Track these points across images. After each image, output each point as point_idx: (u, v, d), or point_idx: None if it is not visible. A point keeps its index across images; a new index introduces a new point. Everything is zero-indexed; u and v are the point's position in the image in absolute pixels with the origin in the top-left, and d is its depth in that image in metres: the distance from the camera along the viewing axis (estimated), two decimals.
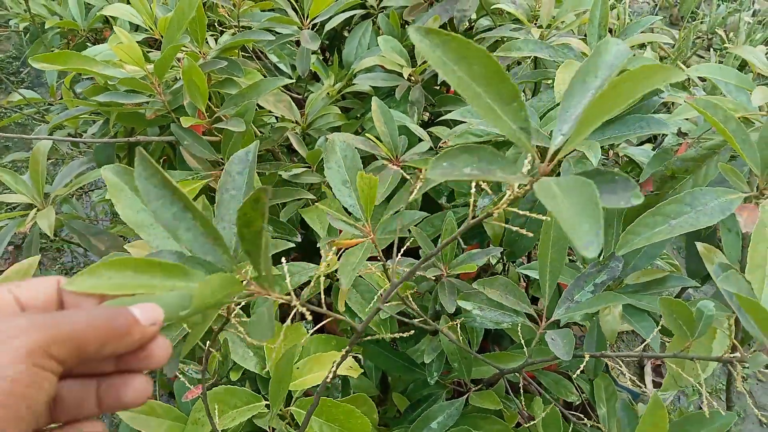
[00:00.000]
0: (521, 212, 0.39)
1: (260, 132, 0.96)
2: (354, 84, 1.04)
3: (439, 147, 0.89)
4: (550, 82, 0.92)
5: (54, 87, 1.34)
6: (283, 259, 0.46)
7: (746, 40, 2.50)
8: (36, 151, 0.89)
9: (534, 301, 1.12)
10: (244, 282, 0.36)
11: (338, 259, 0.79)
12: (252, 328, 0.36)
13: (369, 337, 0.56)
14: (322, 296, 0.55)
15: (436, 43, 0.29)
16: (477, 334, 0.86)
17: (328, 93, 1.04)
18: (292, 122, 0.97)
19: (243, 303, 0.38)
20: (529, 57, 0.90)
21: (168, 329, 0.39)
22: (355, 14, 1.11)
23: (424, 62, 0.99)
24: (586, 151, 0.67)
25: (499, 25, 1.02)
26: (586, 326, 0.76)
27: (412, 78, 1.00)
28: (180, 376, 0.64)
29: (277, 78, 0.85)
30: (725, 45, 2.54)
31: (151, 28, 0.92)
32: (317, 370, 0.72)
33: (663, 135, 0.85)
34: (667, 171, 0.64)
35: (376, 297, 0.73)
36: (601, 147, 0.71)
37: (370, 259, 0.68)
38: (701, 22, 2.90)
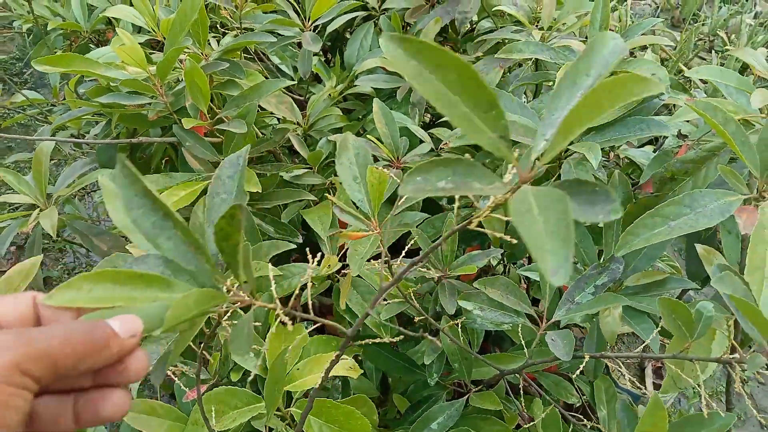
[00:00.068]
0: (504, 218, 0.39)
1: (262, 133, 0.96)
2: (355, 85, 1.04)
3: (440, 148, 0.89)
4: (551, 83, 0.93)
5: (57, 88, 1.35)
6: (270, 267, 0.46)
7: (748, 42, 2.50)
8: (39, 151, 0.89)
9: (534, 302, 1.12)
10: (230, 291, 0.35)
11: (338, 260, 0.79)
12: (232, 341, 0.35)
13: (369, 341, 0.56)
14: (323, 297, 0.55)
15: (412, 51, 0.28)
16: (477, 335, 0.86)
17: (329, 94, 1.05)
18: (294, 124, 0.98)
19: (230, 311, 0.38)
20: (531, 59, 0.91)
21: (154, 339, 0.38)
22: (357, 16, 1.11)
23: None
24: (586, 152, 0.68)
25: (501, 27, 1.02)
26: (586, 328, 0.76)
27: None
28: (173, 377, 0.64)
29: (279, 80, 0.85)
30: (726, 47, 2.54)
31: (154, 30, 0.93)
32: (317, 371, 0.73)
33: (664, 137, 0.86)
34: (667, 173, 0.64)
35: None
36: (602, 149, 0.71)
37: (373, 258, 0.69)
38: (703, 24, 2.90)
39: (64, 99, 1.24)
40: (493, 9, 0.98)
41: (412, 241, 0.74)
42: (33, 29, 1.28)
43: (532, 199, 0.26)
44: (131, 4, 0.92)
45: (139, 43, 0.80)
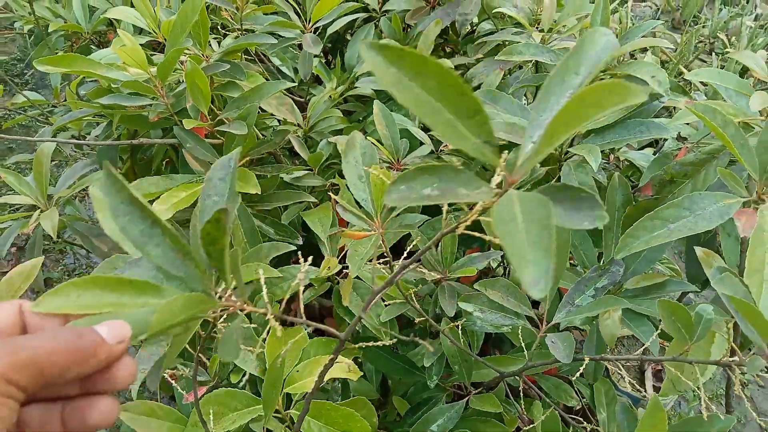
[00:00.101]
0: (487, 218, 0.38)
1: (262, 135, 0.96)
2: (356, 87, 1.04)
3: (440, 150, 0.89)
4: None
5: (58, 89, 1.35)
6: (261, 272, 0.45)
7: (748, 45, 2.50)
8: (40, 152, 0.89)
9: (534, 305, 1.12)
10: (222, 296, 0.35)
11: (338, 261, 0.79)
12: (221, 347, 0.35)
13: (366, 344, 0.56)
14: (323, 299, 0.55)
15: (392, 59, 0.27)
16: (477, 338, 0.86)
17: (330, 96, 1.05)
18: (294, 125, 0.98)
19: (225, 315, 0.38)
20: (531, 61, 0.91)
21: (153, 341, 0.38)
22: (358, 17, 1.12)
23: None
24: (586, 155, 0.68)
25: (501, 29, 1.02)
26: (586, 330, 0.76)
27: None
28: (171, 380, 0.64)
29: (280, 81, 0.85)
30: (726, 49, 2.55)
31: (155, 31, 0.93)
32: (317, 373, 0.73)
33: (664, 139, 0.86)
34: (667, 175, 0.64)
35: (376, 299, 0.73)
36: (602, 151, 0.72)
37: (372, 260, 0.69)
38: (703, 27, 2.90)
39: (65, 100, 1.24)
40: (494, 11, 0.98)
41: (413, 243, 0.74)
42: (34, 30, 1.28)
43: (516, 205, 0.26)
44: (132, 6, 0.93)
45: (140, 45, 0.80)
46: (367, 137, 0.84)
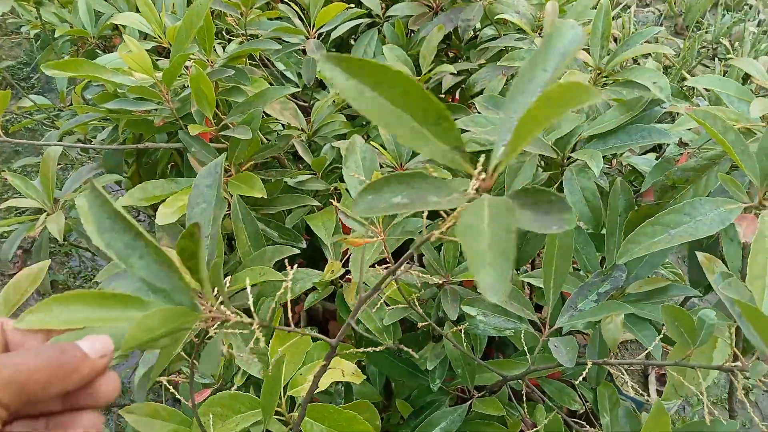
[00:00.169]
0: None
1: (266, 139, 0.97)
2: None
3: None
4: None
5: (64, 93, 1.36)
6: (249, 283, 0.45)
7: (751, 50, 2.50)
8: (46, 156, 0.90)
9: (538, 309, 1.12)
10: (206, 308, 0.35)
11: (342, 265, 0.80)
12: (202, 361, 0.35)
13: (368, 349, 0.57)
14: (326, 302, 0.55)
15: (351, 70, 0.27)
16: (480, 341, 0.87)
17: (333, 101, 1.05)
18: (298, 130, 0.98)
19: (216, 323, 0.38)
20: None
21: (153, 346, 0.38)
22: (361, 23, 1.12)
23: (429, 71, 1.00)
24: (588, 160, 0.68)
25: (504, 35, 1.03)
26: (589, 334, 0.77)
27: None
28: (168, 385, 0.64)
29: (284, 86, 0.86)
30: (728, 55, 2.55)
31: (160, 37, 0.94)
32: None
33: (666, 144, 0.86)
34: (668, 181, 0.65)
35: (379, 303, 0.74)
36: (604, 156, 0.72)
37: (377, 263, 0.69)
38: (706, 32, 2.90)
39: (71, 104, 1.25)
40: (496, 17, 0.99)
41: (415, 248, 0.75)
42: (41, 35, 1.29)
43: (486, 210, 0.25)
44: (138, 11, 0.94)
45: (146, 50, 0.81)
46: (371, 142, 0.85)
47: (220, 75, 0.84)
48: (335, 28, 1.05)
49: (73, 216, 0.95)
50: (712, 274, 0.54)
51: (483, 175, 0.29)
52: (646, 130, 0.72)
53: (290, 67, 1.14)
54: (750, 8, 3.07)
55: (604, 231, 0.74)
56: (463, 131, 0.81)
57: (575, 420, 0.80)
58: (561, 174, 0.77)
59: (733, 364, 0.53)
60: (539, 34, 0.94)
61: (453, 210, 0.30)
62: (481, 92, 0.97)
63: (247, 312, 0.40)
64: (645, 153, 1.00)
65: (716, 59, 2.70)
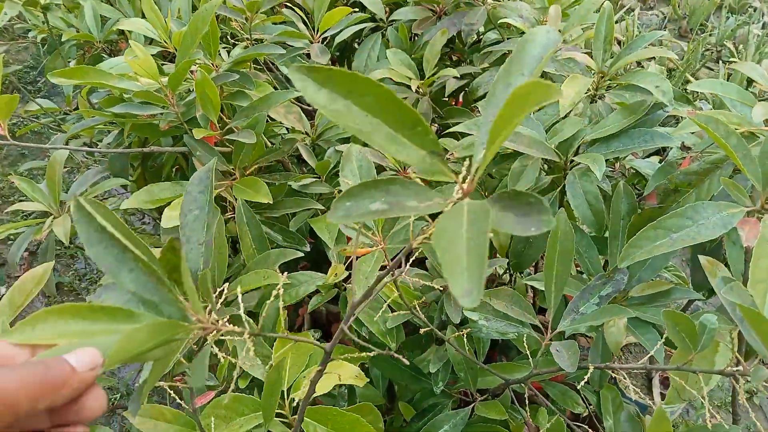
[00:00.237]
0: None
1: (271, 143, 0.97)
2: None
3: (446, 159, 0.90)
4: None
5: (70, 97, 1.37)
6: (240, 291, 0.45)
7: (755, 53, 2.50)
8: (53, 160, 0.91)
9: (542, 311, 1.12)
10: (197, 319, 0.35)
11: (346, 268, 0.80)
12: (191, 373, 0.35)
13: (370, 353, 0.57)
14: (330, 305, 0.56)
15: (321, 80, 0.27)
16: (483, 344, 0.87)
17: None
18: (302, 133, 0.99)
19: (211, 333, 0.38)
20: None
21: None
22: (365, 27, 1.13)
23: (433, 75, 1.01)
24: (590, 164, 0.68)
25: (507, 39, 1.03)
26: (593, 336, 0.77)
27: (420, 90, 1.01)
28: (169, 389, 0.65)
29: (288, 90, 0.86)
30: (732, 58, 2.54)
31: (166, 42, 0.94)
32: (324, 379, 0.73)
33: (669, 148, 0.86)
34: (671, 184, 0.65)
35: (384, 306, 0.74)
36: (607, 159, 0.72)
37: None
38: (710, 35, 2.90)
39: (77, 107, 1.26)
40: (499, 21, 0.99)
41: (419, 251, 0.75)
42: (48, 39, 1.30)
43: (465, 215, 0.25)
44: (144, 16, 0.94)
45: (151, 55, 0.81)
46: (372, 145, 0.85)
47: (225, 79, 0.84)
48: (339, 32, 1.05)
49: None
50: (714, 278, 0.54)
51: (463, 180, 0.29)
52: (649, 133, 0.72)
53: None
54: (754, 11, 3.07)
55: (607, 234, 0.74)
56: (467, 134, 0.81)
57: (578, 423, 0.80)
58: (564, 177, 0.78)
59: (735, 369, 0.53)
60: None
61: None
62: (484, 96, 0.97)
63: (252, 315, 0.40)
64: (648, 156, 1.00)
65: (720, 62, 2.69)
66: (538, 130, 0.76)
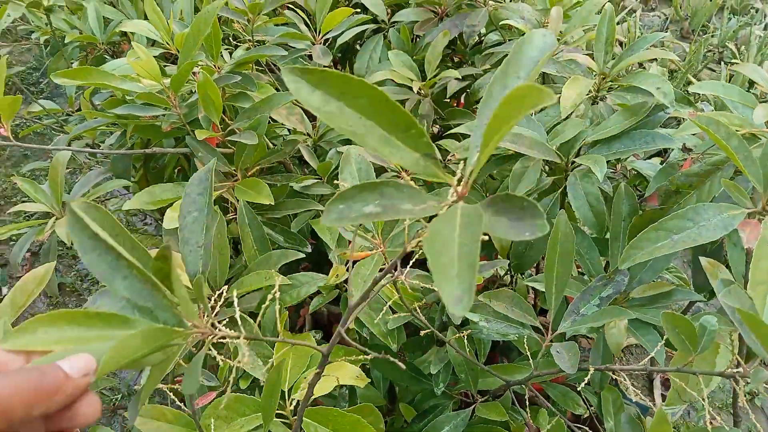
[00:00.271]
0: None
1: (272, 144, 0.98)
2: None
3: (448, 160, 0.90)
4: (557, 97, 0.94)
5: (72, 98, 1.38)
6: (236, 295, 0.45)
7: (757, 54, 2.49)
8: (55, 161, 0.91)
9: (543, 312, 1.12)
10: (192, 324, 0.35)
11: (346, 269, 0.80)
12: (184, 379, 0.35)
13: (372, 356, 0.57)
14: (332, 306, 0.56)
15: (315, 82, 0.27)
16: (484, 346, 0.87)
17: None
18: (304, 134, 0.99)
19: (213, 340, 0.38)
20: None
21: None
22: (367, 29, 1.13)
23: (434, 76, 1.01)
24: (592, 165, 0.69)
25: (509, 40, 1.04)
26: (594, 338, 0.77)
27: (422, 92, 1.01)
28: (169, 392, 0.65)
29: (289, 92, 0.86)
30: (734, 59, 2.54)
31: (168, 44, 0.95)
32: (324, 380, 0.73)
33: (670, 149, 0.86)
34: (672, 186, 0.65)
35: (385, 308, 0.74)
36: (609, 161, 0.72)
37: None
38: (712, 36, 2.89)
39: (80, 109, 1.26)
40: (501, 22, 1.00)
41: (419, 252, 0.75)
42: (50, 40, 1.31)
43: (458, 218, 0.25)
44: (146, 18, 0.95)
45: (154, 56, 0.82)
46: None
47: (227, 81, 0.85)
48: (341, 33, 1.06)
49: None
50: (715, 279, 0.54)
51: (458, 183, 0.29)
52: (650, 135, 0.72)
53: None
54: (756, 12, 3.06)
55: (608, 235, 0.74)
56: (468, 136, 0.82)
57: (579, 425, 0.80)
58: (565, 179, 0.78)
59: (735, 370, 0.53)
60: None
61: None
62: None
63: (254, 316, 0.41)
64: (649, 158, 1.00)
65: (722, 63, 2.69)
66: (539, 132, 0.76)
